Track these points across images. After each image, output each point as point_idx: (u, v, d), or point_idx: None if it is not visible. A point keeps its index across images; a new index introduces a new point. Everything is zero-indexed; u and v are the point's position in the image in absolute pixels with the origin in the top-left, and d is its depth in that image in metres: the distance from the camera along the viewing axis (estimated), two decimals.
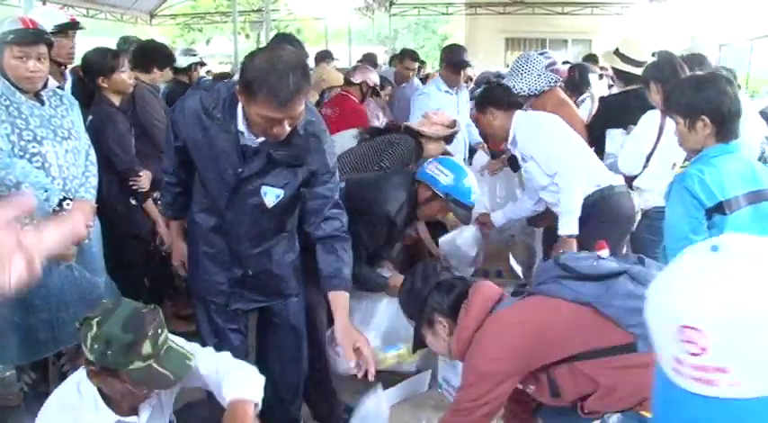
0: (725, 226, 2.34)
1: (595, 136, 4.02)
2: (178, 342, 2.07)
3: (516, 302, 2.24)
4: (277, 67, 2.03)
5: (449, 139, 3.96)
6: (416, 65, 6.71)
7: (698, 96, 2.41)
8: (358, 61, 7.42)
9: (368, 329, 3.11)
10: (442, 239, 3.86)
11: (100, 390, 1.98)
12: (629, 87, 4.01)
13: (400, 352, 3.31)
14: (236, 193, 2.39)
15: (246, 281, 2.58)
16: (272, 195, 2.39)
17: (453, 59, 5.09)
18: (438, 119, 3.92)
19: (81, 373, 2.02)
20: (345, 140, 4.02)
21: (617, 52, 4.04)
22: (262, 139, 2.27)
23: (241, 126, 2.28)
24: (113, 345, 1.84)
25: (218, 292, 2.60)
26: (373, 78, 5.27)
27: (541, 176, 3.55)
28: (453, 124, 3.93)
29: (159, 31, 20.90)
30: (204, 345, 2.38)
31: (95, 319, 1.87)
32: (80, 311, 2.79)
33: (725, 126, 2.40)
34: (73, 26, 3.64)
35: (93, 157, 2.94)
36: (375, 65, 7.08)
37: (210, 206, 2.50)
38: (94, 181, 2.92)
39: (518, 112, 3.65)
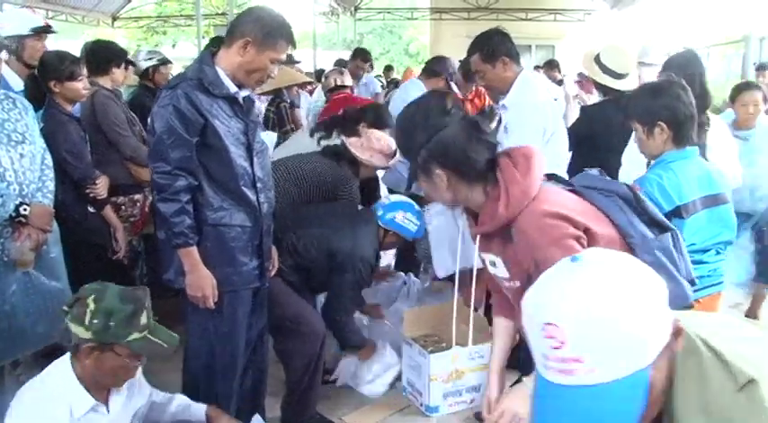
0: (683, 229, 2.38)
1: (574, 143, 3.67)
2: None
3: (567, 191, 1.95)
4: (280, 15, 2.55)
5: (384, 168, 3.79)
6: (368, 65, 7.48)
7: (654, 103, 2.49)
8: (335, 65, 8.00)
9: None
10: None
11: (77, 376, 2.08)
12: (608, 97, 3.70)
13: None
14: (250, 150, 2.60)
15: (264, 255, 2.75)
16: (266, 137, 2.76)
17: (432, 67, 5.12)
18: (379, 146, 3.65)
19: (58, 362, 2.13)
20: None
21: (597, 59, 3.65)
22: (245, 91, 2.60)
23: (233, 87, 2.53)
24: (115, 316, 1.98)
25: (254, 278, 2.72)
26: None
27: None
28: (394, 154, 3.65)
29: (122, 33, 20.63)
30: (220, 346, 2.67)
31: (90, 298, 2.00)
32: (38, 319, 2.75)
33: (681, 131, 2.47)
34: (47, 30, 3.57)
35: (49, 161, 2.87)
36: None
37: (226, 194, 2.57)
38: (51, 185, 2.85)
39: (526, 72, 3.39)
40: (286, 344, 3.16)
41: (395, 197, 3.52)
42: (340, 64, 8.06)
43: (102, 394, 2.14)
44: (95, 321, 1.97)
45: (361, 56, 7.37)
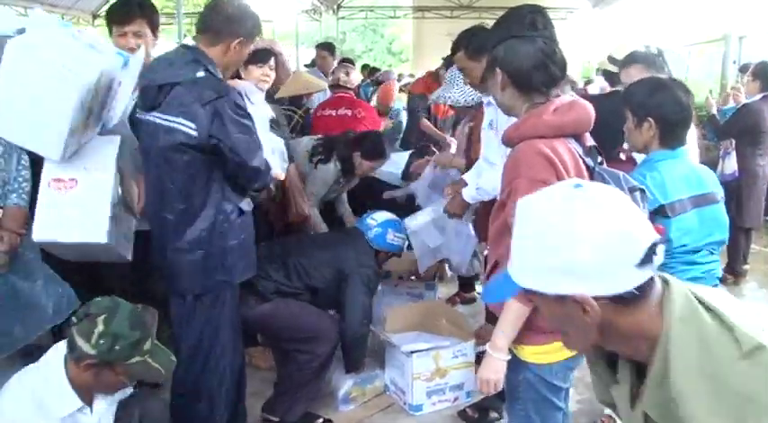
0: (669, 229, 2.37)
1: None
2: None
3: None
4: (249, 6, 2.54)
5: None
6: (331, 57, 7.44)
7: (649, 99, 2.46)
8: (341, 62, 7.64)
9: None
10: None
11: (69, 378, 2.11)
12: (615, 88, 3.77)
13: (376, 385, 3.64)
14: None
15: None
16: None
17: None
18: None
19: (45, 360, 2.18)
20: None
21: (610, 57, 3.88)
22: None
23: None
24: (121, 341, 2.04)
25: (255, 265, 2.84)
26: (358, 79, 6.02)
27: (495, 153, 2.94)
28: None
29: (102, 32, 20.43)
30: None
31: (101, 317, 2.05)
32: (14, 322, 2.69)
33: (670, 132, 2.44)
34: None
35: (25, 161, 2.82)
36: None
37: (234, 184, 2.60)
38: (28, 186, 2.79)
39: None
40: (299, 346, 3.16)
41: (379, 217, 3.66)
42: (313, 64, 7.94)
43: (89, 395, 2.18)
44: (102, 342, 2.03)
45: (328, 49, 7.36)
